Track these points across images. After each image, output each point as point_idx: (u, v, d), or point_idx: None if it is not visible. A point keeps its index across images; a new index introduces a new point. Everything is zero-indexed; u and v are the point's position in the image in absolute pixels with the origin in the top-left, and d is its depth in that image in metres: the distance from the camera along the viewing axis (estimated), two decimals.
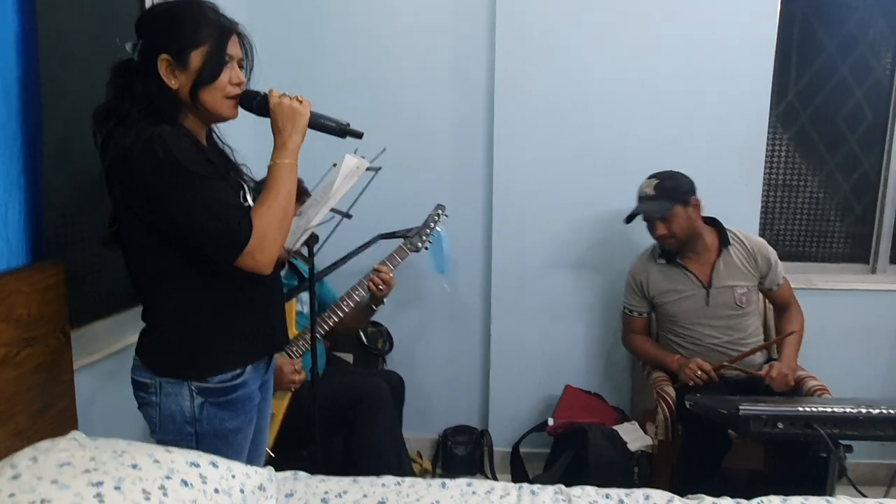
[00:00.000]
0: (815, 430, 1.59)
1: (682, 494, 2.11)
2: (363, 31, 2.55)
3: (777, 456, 2.11)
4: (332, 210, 1.57)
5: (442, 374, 2.75)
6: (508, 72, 2.48)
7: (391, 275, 2.09)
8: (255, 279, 1.25)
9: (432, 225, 2.22)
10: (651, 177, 2.23)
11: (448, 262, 2.31)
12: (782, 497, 1.37)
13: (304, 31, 2.56)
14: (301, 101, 1.31)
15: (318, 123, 1.36)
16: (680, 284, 2.24)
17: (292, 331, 2.00)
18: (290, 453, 1.93)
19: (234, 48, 1.27)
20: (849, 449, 1.68)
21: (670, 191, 2.18)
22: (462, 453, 2.61)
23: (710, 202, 2.35)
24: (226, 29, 1.26)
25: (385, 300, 2.13)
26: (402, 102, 2.58)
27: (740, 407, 1.61)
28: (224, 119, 1.32)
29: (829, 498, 1.33)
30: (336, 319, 2.07)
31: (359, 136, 1.39)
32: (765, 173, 2.65)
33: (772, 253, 2.26)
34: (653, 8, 2.44)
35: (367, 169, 1.55)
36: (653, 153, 2.50)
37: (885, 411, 1.62)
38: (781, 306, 2.31)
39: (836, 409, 1.61)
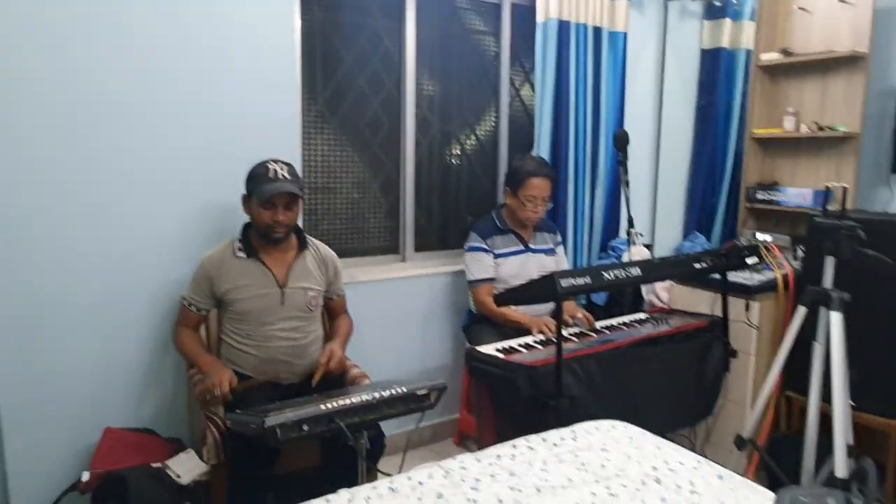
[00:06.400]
0: (337, 424, 1.67)
1: None
2: None
3: (327, 451, 2.20)
4: None
5: None
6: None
7: None
8: None
9: None
10: (274, 161, 2.16)
11: None
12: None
13: None
14: None
15: None
16: (256, 280, 2.18)
17: None
18: None
19: None
20: (370, 430, 1.82)
21: (299, 179, 2.20)
22: None
23: None
24: None
25: None
26: None
27: (266, 419, 1.58)
28: None
29: (340, 490, 1.39)
30: None
31: None
32: (304, 177, 2.76)
33: (339, 264, 2.40)
34: (170, 24, 2.28)
35: None
36: (192, 164, 2.37)
37: (395, 391, 1.80)
38: (336, 314, 2.47)
39: (353, 400, 1.71)
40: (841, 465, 1.95)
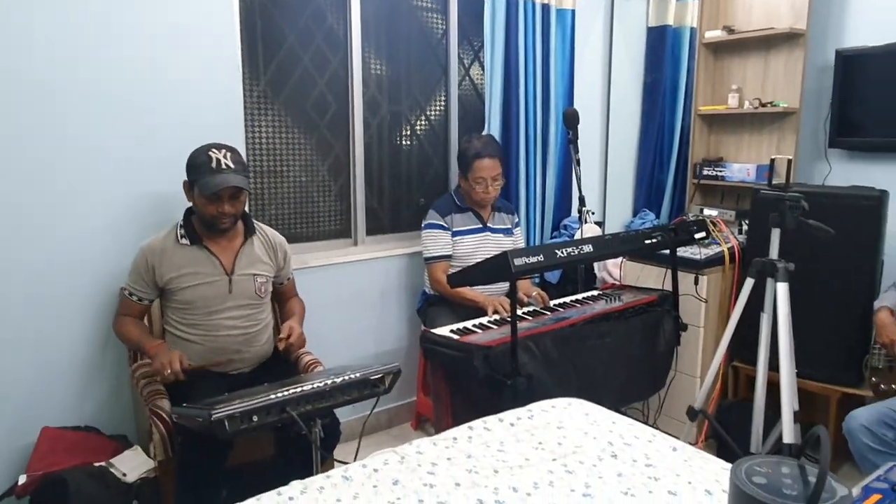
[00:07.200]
0: (289, 414, 1.62)
1: None
2: None
3: (281, 441, 2.15)
4: None
5: None
6: None
7: None
8: None
9: None
10: (217, 148, 2.05)
11: None
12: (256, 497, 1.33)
13: None
14: None
15: None
16: (202, 268, 2.09)
17: None
18: None
19: None
20: (324, 418, 1.77)
21: (244, 166, 2.12)
22: None
23: None
24: None
25: None
26: None
27: (212, 412, 1.52)
28: None
29: (293, 482, 1.34)
30: None
31: None
32: (249, 161, 2.66)
33: (288, 248, 2.34)
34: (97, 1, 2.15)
35: None
36: (127, 151, 2.25)
37: (348, 377, 1.75)
38: (286, 298, 2.41)
39: (305, 388, 1.66)
40: (789, 432, 2.01)
